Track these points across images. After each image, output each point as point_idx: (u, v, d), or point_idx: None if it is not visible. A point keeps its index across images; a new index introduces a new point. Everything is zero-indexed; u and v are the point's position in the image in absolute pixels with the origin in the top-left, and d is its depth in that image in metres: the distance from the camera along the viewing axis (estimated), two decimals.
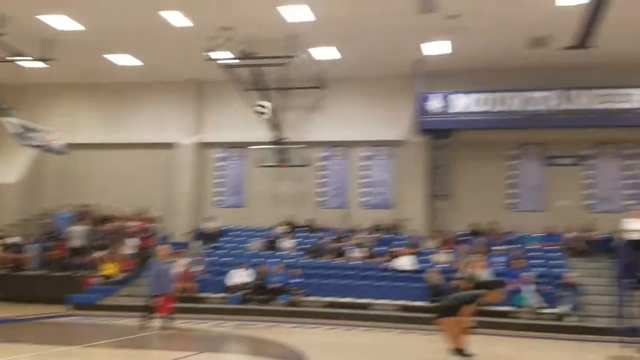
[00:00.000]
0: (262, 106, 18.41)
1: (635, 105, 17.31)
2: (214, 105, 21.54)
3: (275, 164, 19.77)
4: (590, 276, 16.08)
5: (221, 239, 20.08)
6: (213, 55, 17.07)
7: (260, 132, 19.86)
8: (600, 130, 18.29)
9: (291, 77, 18.55)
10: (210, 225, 20.38)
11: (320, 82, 19.54)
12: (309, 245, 18.93)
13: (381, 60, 18.87)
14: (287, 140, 20.01)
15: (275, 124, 19.93)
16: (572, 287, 14.90)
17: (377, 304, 15.78)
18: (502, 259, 16.81)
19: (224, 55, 17.42)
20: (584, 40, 14.73)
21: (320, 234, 19.58)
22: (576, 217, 18.37)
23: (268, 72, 18.31)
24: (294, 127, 20.40)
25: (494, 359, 9.21)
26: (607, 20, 13.93)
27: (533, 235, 18.34)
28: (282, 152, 19.73)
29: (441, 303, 9.22)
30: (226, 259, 18.49)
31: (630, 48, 16.86)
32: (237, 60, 17.59)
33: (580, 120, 17.86)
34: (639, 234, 11.84)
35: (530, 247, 17.85)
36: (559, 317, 14.55)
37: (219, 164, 21.78)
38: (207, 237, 20.05)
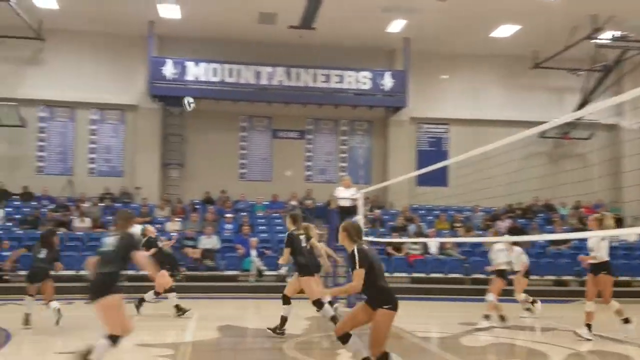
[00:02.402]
0: None
1: (345, 86, 19.35)
2: None
3: None
4: None
5: None
6: None
7: None
8: (319, 107, 20.04)
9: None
10: None
11: (37, 32, 17.57)
12: (24, 215, 17.10)
13: (110, 15, 17.68)
14: None
15: None
16: None
17: None
18: (231, 226, 17.50)
19: None
20: (307, 20, 15.88)
21: (37, 203, 17.85)
22: (297, 186, 19.95)
23: None
24: (4, 81, 18.14)
25: (219, 320, 9.58)
26: (327, 4, 15.26)
27: (260, 203, 19.39)
28: None
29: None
30: None
31: (344, 32, 18.60)
32: None
33: (302, 96, 19.34)
34: (348, 201, 13.16)
35: (257, 215, 18.87)
36: (281, 278, 15.68)
37: None
38: None
